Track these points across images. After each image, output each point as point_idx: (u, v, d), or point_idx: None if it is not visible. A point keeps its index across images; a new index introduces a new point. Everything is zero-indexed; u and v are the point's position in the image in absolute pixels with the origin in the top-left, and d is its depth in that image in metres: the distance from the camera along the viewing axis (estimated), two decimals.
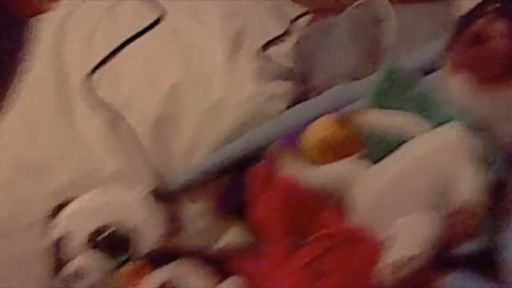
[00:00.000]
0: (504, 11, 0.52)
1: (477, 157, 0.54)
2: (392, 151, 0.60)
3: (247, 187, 0.67)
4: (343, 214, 0.60)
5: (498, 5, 0.53)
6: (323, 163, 0.67)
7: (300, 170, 0.65)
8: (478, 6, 0.55)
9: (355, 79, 0.83)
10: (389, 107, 0.62)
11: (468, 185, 0.51)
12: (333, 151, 0.67)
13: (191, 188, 0.82)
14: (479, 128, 0.54)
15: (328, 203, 0.62)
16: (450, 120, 0.56)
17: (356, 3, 0.98)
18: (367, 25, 0.93)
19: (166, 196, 0.79)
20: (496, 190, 0.53)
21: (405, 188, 0.55)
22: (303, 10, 1.23)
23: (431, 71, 0.71)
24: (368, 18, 0.95)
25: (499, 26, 0.51)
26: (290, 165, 0.66)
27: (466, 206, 0.51)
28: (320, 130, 0.68)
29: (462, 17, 0.55)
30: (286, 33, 1.09)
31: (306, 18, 1.19)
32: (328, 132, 0.67)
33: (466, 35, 0.53)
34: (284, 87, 0.92)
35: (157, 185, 0.80)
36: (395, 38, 0.88)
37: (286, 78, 0.94)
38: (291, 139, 0.73)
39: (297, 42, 1.00)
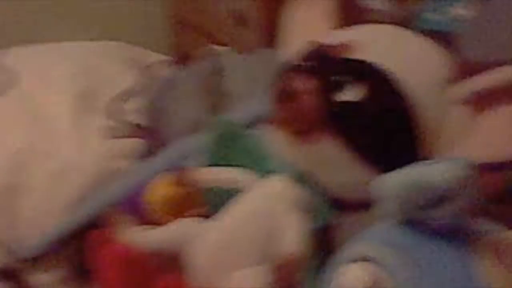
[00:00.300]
0: (312, 68, 0.53)
1: (301, 207, 0.55)
2: (226, 204, 0.60)
3: (87, 255, 0.65)
4: (184, 275, 0.59)
5: (306, 62, 0.55)
6: (167, 222, 0.67)
7: (139, 234, 0.64)
8: (289, 63, 0.57)
9: (199, 130, 0.84)
10: (221, 161, 0.63)
11: (293, 237, 0.52)
12: (175, 210, 0.66)
13: (42, 257, 0.79)
14: (301, 179, 0.55)
15: (169, 265, 0.61)
16: (275, 172, 0.57)
17: (201, 55, 1.00)
18: (211, 76, 0.94)
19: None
20: (322, 238, 0.54)
21: (237, 243, 0.55)
22: (160, 58, 1.23)
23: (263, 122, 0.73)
24: (213, 69, 0.96)
25: (308, 83, 0.52)
26: (128, 230, 0.64)
27: (291, 258, 0.51)
28: (159, 189, 0.67)
29: (278, 73, 0.57)
30: (137, 86, 1.08)
31: (162, 67, 1.19)
32: (167, 191, 0.66)
33: (278, 92, 0.54)
34: (132, 144, 0.91)
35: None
36: (240, 88, 0.90)
37: (135, 135, 0.93)
38: (133, 199, 0.72)
39: (146, 97, 0.99)
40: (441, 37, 0.94)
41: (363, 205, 0.53)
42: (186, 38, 2.16)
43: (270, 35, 1.66)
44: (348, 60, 0.53)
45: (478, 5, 0.95)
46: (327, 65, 0.53)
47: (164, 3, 2.22)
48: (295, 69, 0.55)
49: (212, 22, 1.92)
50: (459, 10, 0.96)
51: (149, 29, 2.30)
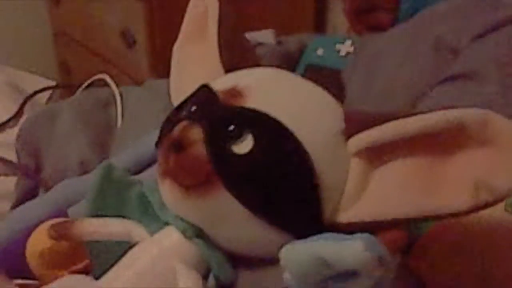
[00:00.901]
0: (200, 116, 0.50)
1: (196, 264, 0.53)
2: (117, 260, 0.56)
3: None
4: None
5: (193, 108, 0.52)
6: (50, 276, 0.62)
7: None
8: (177, 109, 0.54)
9: (85, 170, 0.79)
10: (108, 209, 0.59)
11: None
12: (56, 265, 0.62)
13: None
14: (196, 234, 0.52)
15: None
16: (167, 225, 0.54)
17: (83, 86, 0.95)
18: (94, 110, 0.90)
19: None
20: None
21: None
22: (45, 84, 1.16)
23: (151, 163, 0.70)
24: (95, 101, 0.91)
25: (196, 132, 0.49)
26: None
27: None
28: (37, 243, 0.62)
29: (164, 121, 0.54)
30: (16, 116, 1.02)
31: (45, 94, 1.13)
32: (45, 245, 0.61)
33: (165, 142, 0.51)
34: (8, 184, 0.85)
35: None
36: (127, 122, 0.86)
37: (12, 173, 0.87)
38: (10, 250, 0.67)
39: (20, 131, 0.93)
40: (330, 73, 0.96)
41: (261, 261, 0.51)
42: (70, 54, 2.11)
43: (160, 58, 1.65)
44: (239, 108, 0.51)
45: (360, 43, 0.98)
46: (216, 114, 0.51)
47: (45, 17, 2.15)
48: (184, 116, 0.52)
49: (99, 40, 1.87)
50: (348, 48, 0.98)
51: (33, 46, 2.24)
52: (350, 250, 0.40)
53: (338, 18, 1.72)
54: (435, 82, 0.77)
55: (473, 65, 0.75)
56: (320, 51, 1.01)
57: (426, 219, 0.50)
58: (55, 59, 2.23)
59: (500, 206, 0.58)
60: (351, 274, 0.41)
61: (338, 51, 0.99)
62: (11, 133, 0.96)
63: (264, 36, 1.13)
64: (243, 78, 0.55)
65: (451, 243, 0.58)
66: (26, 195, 0.84)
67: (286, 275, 0.44)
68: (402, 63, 0.83)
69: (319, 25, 1.80)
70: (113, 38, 1.79)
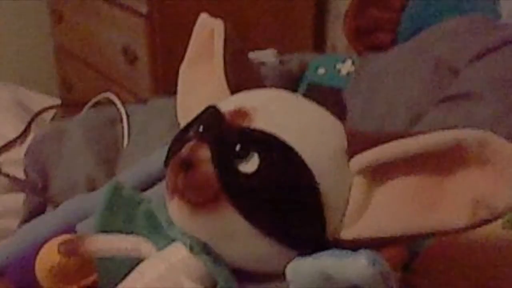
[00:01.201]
0: (207, 136, 0.52)
1: (203, 280, 0.54)
2: (125, 275, 0.58)
3: None
4: None
5: (201, 128, 0.53)
6: None
7: None
8: (185, 129, 0.56)
9: (93, 187, 0.80)
10: (116, 226, 0.60)
11: None
12: (65, 279, 0.63)
13: None
14: (203, 250, 0.54)
15: None
16: (174, 242, 0.56)
17: (89, 104, 0.96)
18: (101, 128, 0.91)
19: None
20: None
21: None
22: (50, 102, 1.18)
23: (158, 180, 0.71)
24: (103, 120, 0.93)
25: (204, 152, 0.51)
26: None
27: None
28: (47, 259, 0.64)
29: (172, 141, 0.55)
30: (23, 134, 1.03)
31: (50, 112, 1.14)
32: (55, 262, 0.63)
33: (174, 161, 0.52)
34: (16, 201, 0.86)
35: None
36: (133, 141, 0.87)
37: (20, 190, 0.88)
38: (21, 266, 0.68)
39: (28, 149, 0.94)
40: (331, 92, 0.98)
41: (266, 277, 0.53)
42: (71, 71, 2.12)
43: (161, 76, 1.67)
44: (245, 129, 0.52)
45: (360, 63, 1.00)
46: (223, 134, 0.52)
47: (48, 34, 2.17)
48: (192, 136, 0.54)
49: (100, 56, 1.89)
50: (349, 67, 1.00)
51: (34, 63, 2.25)
52: (354, 266, 0.41)
53: (336, 38, 1.74)
54: (435, 101, 0.79)
55: (471, 85, 0.76)
56: (321, 71, 1.03)
57: (426, 236, 0.52)
58: (57, 75, 2.25)
59: (498, 223, 0.59)
60: None
61: (339, 71, 1.01)
62: (19, 151, 0.98)
63: (266, 56, 1.15)
64: (249, 99, 0.57)
65: (451, 260, 0.59)
66: (34, 212, 0.85)
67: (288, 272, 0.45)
68: (402, 82, 0.85)
69: (318, 45, 1.82)
70: (114, 55, 1.81)
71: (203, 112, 0.56)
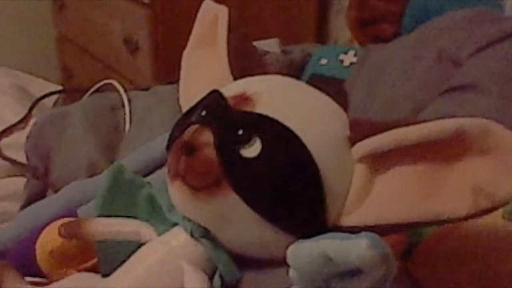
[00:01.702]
0: (210, 120, 0.52)
1: (203, 265, 0.54)
2: (125, 259, 0.58)
3: None
4: None
5: (204, 113, 0.53)
6: (59, 274, 0.63)
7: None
8: (187, 113, 0.56)
9: (94, 173, 0.80)
10: (117, 210, 0.60)
11: None
12: (65, 262, 0.63)
13: None
14: (203, 235, 0.54)
15: None
16: (175, 226, 0.56)
17: (91, 90, 0.96)
18: (102, 113, 0.91)
19: None
20: None
21: None
22: (52, 88, 1.18)
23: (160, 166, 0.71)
24: (104, 105, 0.93)
25: (206, 136, 0.51)
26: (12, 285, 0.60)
27: None
28: (47, 242, 0.64)
29: (175, 125, 0.55)
30: (25, 119, 1.03)
31: (52, 98, 1.14)
32: (55, 245, 0.63)
33: (176, 145, 0.53)
34: (17, 185, 0.86)
35: None
36: (135, 126, 0.87)
37: (21, 174, 0.88)
38: (21, 248, 0.68)
39: (30, 133, 0.94)
40: (333, 83, 0.97)
41: (266, 262, 0.53)
42: (72, 59, 2.12)
43: (163, 65, 1.66)
44: (248, 114, 0.52)
45: (363, 53, 1.00)
46: (225, 119, 0.52)
47: (49, 22, 2.17)
48: (194, 120, 0.54)
49: (101, 45, 1.89)
50: (351, 58, 1.00)
51: (36, 50, 2.25)
52: (355, 248, 0.41)
53: (339, 29, 1.74)
54: (437, 92, 0.79)
55: (474, 77, 0.76)
56: (324, 61, 1.03)
57: (426, 224, 0.52)
58: (58, 63, 2.25)
59: (498, 214, 0.59)
60: (355, 273, 0.42)
61: (342, 61, 1.01)
62: (20, 135, 0.97)
63: (269, 45, 1.15)
64: (252, 84, 0.56)
65: (451, 250, 0.59)
66: (35, 196, 0.85)
67: (292, 272, 0.46)
68: (405, 73, 0.85)
69: (321, 38, 1.81)
70: (116, 44, 1.81)
71: (206, 97, 0.56)
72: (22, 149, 0.93)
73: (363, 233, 0.43)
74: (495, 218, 0.59)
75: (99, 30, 1.90)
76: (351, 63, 0.99)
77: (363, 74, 0.92)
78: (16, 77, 1.18)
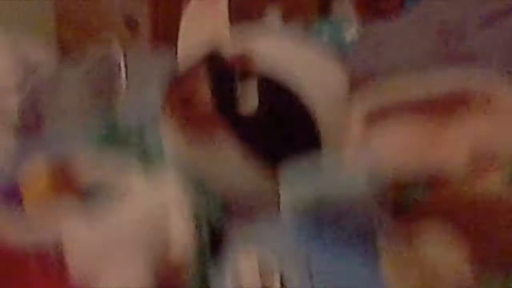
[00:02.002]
0: (208, 74, 0.52)
1: (192, 210, 0.54)
2: (111, 202, 0.57)
3: None
4: (66, 275, 0.55)
5: (202, 68, 0.53)
6: (44, 211, 0.62)
7: (12, 227, 0.59)
8: (186, 68, 0.55)
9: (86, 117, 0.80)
10: (109, 155, 0.60)
11: (180, 240, 0.51)
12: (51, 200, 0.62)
13: None
14: (194, 181, 0.53)
15: (50, 265, 0.56)
16: (168, 172, 0.55)
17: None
18: (98, 65, 0.91)
19: None
20: (215, 242, 0.53)
21: (123, 242, 0.53)
22: (47, 53, 1.17)
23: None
24: (100, 62, 0.92)
25: (203, 88, 0.51)
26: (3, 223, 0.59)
27: (178, 261, 0.50)
28: (36, 183, 0.63)
29: (172, 78, 0.55)
30: (21, 84, 1.02)
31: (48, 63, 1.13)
32: (44, 184, 0.62)
33: (173, 95, 0.52)
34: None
35: None
36: (131, 84, 0.87)
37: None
38: (8, 187, 0.67)
39: (25, 98, 0.94)
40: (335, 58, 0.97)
41: (255, 211, 0.52)
42: (69, 34, 2.11)
43: (162, 40, 1.66)
44: (246, 70, 0.52)
45: (366, 29, 0.99)
46: (223, 72, 0.52)
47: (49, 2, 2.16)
48: (192, 75, 0.53)
49: (99, 20, 1.88)
50: (353, 34, 0.99)
51: (31, 23, 2.24)
52: (349, 183, 0.41)
53: (342, 6, 1.72)
54: (439, 61, 0.78)
55: (478, 48, 0.76)
56: (325, 37, 1.02)
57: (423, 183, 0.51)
58: (56, 41, 2.24)
59: (497, 178, 0.59)
60: (348, 212, 0.42)
61: (344, 37, 1.00)
62: (15, 101, 0.96)
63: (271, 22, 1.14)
64: (251, 39, 0.56)
65: (449, 213, 0.59)
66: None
67: (284, 198, 0.45)
68: (408, 47, 0.84)
69: (324, 12, 1.80)
70: (116, 23, 1.80)
71: (205, 53, 0.56)
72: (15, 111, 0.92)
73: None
74: (495, 183, 0.58)
75: (98, 8, 1.89)
76: (353, 39, 0.99)
77: (366, 48, 0.91)
78: (15, 43, 1.17)
